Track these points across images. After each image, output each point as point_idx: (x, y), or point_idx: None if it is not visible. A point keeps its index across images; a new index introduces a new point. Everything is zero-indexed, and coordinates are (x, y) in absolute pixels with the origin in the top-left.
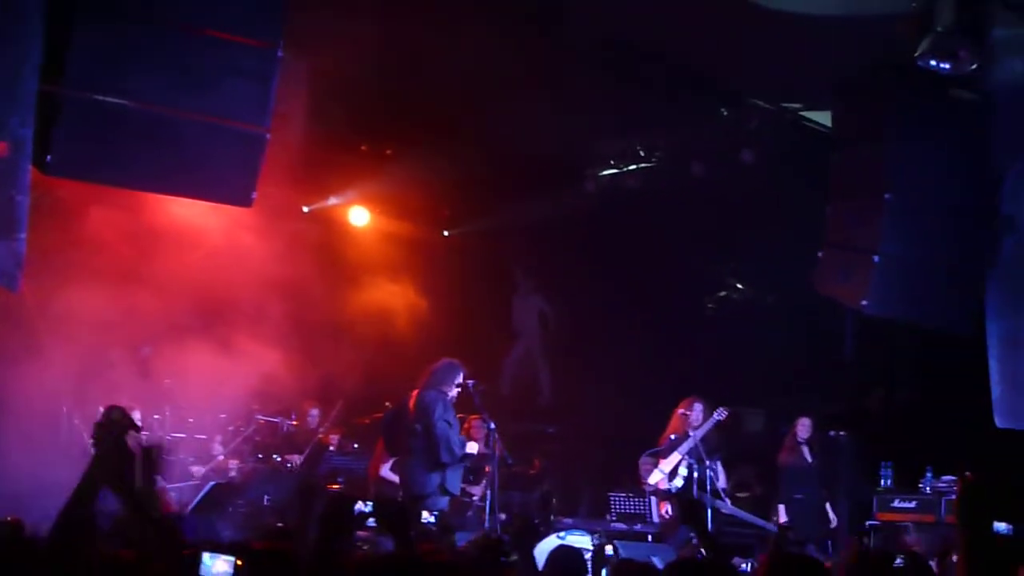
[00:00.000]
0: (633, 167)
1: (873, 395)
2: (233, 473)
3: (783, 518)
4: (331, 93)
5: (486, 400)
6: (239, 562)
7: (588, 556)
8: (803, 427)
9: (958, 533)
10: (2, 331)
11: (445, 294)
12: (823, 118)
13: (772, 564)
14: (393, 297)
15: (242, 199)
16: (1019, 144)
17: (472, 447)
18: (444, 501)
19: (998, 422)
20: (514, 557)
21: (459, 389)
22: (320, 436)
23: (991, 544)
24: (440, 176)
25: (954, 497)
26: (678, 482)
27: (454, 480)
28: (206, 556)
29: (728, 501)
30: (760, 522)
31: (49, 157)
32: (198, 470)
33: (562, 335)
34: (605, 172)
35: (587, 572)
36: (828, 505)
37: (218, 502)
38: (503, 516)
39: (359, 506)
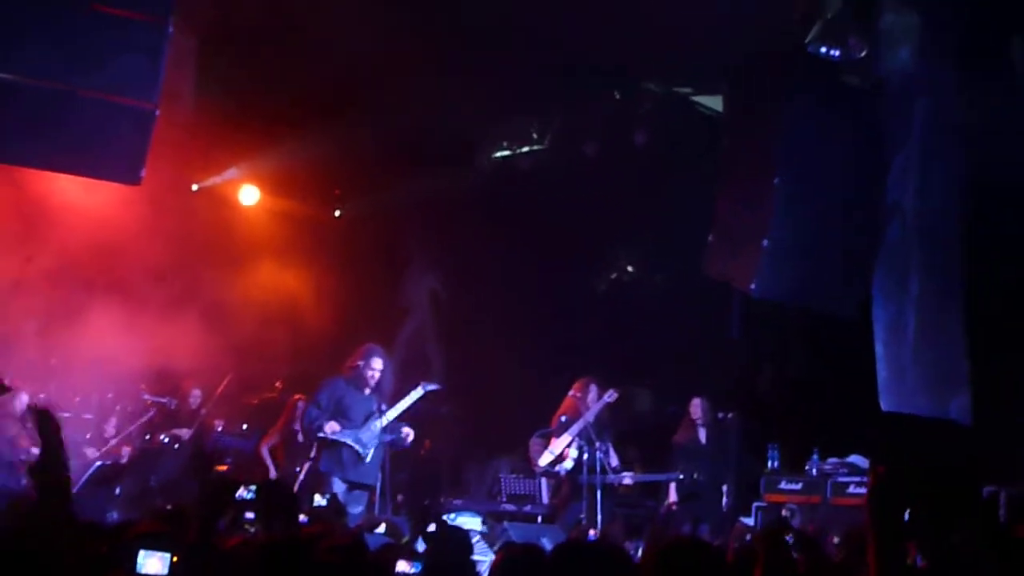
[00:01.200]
0: (526, 149)
1: (760, 376)
2: (124, 460)
3: (673, 497)
4: (220, 69)
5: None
6: (175, 559)
7: (476, 538)
8: (695, 408)
9: (868, 526)
10: None
11: (337, 274)
12: (715, 103)
13: (660, 547)
14: (284, 277)
15: (130, 177)
16: (906, 131)
17: (331, 427)
18: (335, 483)
19: (883, 405)
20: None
21: (371, 384)
22: (204, 417)
23: (902, 538)
24: (331, 155)
25: (840, 480)
26: (568, 464)
27: (327, 461)
28: (141, 554)
29: (625, 476)
30: (664, 476)
31: None
32: (92, 452)
33: (454, 314)
34: (498, 154)
35: (472, 552)
36: (724, 487)
37: (104, 483)
38: (400, 497)
39: (241, 492)
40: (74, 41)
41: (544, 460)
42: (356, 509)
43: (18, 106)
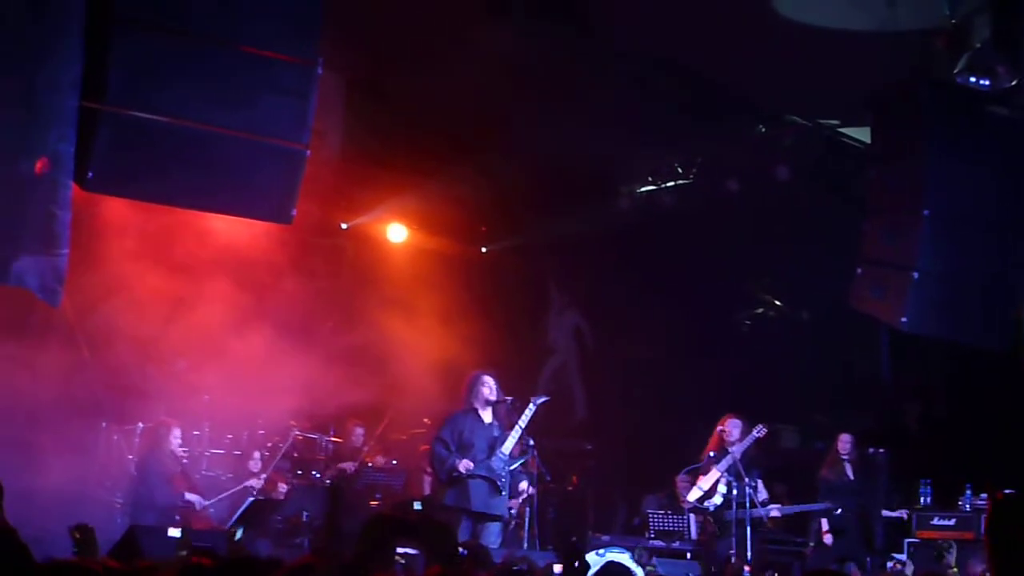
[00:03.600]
0: (670, 184)
1: (909, 411)
2: (282, 496)
3: (825, 530)
4: (367, 108)
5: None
6: None
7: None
8: (844, 443)
9: (987, 554)
10: (42, 346)
11: (483, 310)
12: (860, 134)
13: None
14: (432, 313)
15: (282, 216)
16: None
17: (465, 465)
18: (463, 517)
19: None
20: None
21: (490, 400)
22: (365, 455)
23: (1022, 566)
24: (478, 193)
25: None
26: (716, 499)
27: (453, 495)
28: None
29: (773, 509)
30: (814, 507)
31: (90, 173)
32: (256, 483)
33: (597, 351)
34: (642, 189)
35: None
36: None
37: (256, 518)
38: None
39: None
40: (224, 82)
41: (693, 496)
42: (487, 541)
43: (169, 147)
